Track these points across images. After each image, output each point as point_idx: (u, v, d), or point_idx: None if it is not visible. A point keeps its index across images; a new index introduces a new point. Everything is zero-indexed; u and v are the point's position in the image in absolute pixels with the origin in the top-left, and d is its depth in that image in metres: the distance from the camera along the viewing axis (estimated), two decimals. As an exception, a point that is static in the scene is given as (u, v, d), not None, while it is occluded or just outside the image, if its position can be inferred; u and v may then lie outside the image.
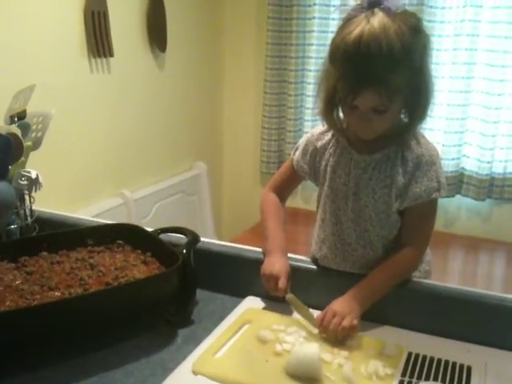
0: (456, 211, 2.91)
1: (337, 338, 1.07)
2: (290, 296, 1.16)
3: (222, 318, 1.19)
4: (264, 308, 1.23)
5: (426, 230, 1.18)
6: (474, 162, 2.78)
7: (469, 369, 1.03)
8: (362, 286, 1.12)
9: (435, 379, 0.99)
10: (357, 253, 1.21)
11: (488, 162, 2.72)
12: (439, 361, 1.05)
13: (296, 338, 1.08)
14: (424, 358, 1.06)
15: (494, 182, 2.76)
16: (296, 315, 1.19)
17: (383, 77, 1.02)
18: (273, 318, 1.18)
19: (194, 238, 1.28)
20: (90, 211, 2.13)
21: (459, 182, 2.83)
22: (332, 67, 1.09)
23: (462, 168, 2.83)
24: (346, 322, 1.06)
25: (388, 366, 1.01)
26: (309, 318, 1.13)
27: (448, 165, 2.77)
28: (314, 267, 1.26)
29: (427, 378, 0.99)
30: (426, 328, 1.14)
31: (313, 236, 1.33)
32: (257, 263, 1.27)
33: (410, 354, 1.07)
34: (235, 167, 3.37)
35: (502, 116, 2.68)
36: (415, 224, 1.17)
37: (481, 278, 2.65)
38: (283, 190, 1.37)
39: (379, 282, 1.13)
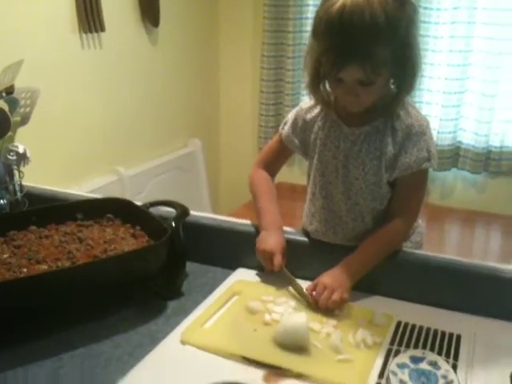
0: (452, 184, 2.90)
1: (327, 310, 1.07)
2: (282, 271, 1.16)
3: (211, 291, 1.18)
4: (254, 280, 1.22)
5: (416, 201, 1.17)
6: (470, 136, 2.76)
7: (458, 338, 1.03)
8: (352, 259, 1.12)
9: (424, 347, 0.99)
10: (347, 226, 1.21)
11: (485, 136, 2.70)
12: (428, 330, 1.05)
13: (285, 308, 1.08)
14: (413, 327, 1.06)
15: (491, 156, 2.74)
16: (285, 285, 1.18)
17: (367, 49, 0.99)
18: (262, 289, 1.17)
19: (183, 211, 1.28)
20: (84, 188, 2.12)
21: (455, 156, 2.82)
22: (315, 40, 1.07)
23: (459, 142, 2.81)
24: (336, 296, 1.06)
25: (376, 335, 1.01)
26: (300, 292, 1.13)
27: (445, 138, 2.76)
28: (306, 239, 1.26)
29: (416, 347, 0.99)
30: (416, 298, 1.14)
31: (304, 210, 1.32)
32: (247, 236, 1.27)
33: (399, 323, 1.07)
34: (232, 144, 3.35)
35: (500, 89, 2.65)
36: (405, 195, 1.16)
37: (476, 251, 2.65)
38: (273, 165, 1.35)
39: (369, 254, 1.13)
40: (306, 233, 1.28)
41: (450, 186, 2.89)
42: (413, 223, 1.19)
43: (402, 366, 0.92)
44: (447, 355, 0.98)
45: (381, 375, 0.92)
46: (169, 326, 1.06)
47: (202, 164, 3.03)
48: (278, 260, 1.15)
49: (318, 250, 1.23)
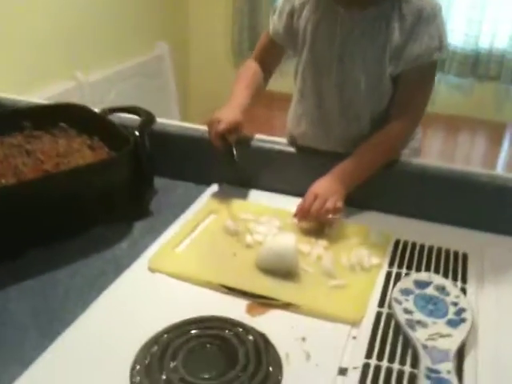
0: (436, 88, 2.73)
1: (318, 223, 0.94)
2: (227, 148, 1.01)
3: (184, 209, 1.04)
4: (232, 196, 1.07)
5: (421, 99, 1.01)
6: (460, 37, 2.58)
7: (465, 257, 0.92)
8: (346, 165, 0.97)
9: (427, 269, 0.87)
10: (340, 127, 1.05)
11: (475, 37, 2.53)
12: (431, 248, 0.93)
13: (268, 228, 0.94)
14: (413, 245, 0.94)
15: (479, 58, 2.58)
16: (269, 202, 1.04)
17: None
18: (242, 206, 1.03)
19: (148, 118, 1.10)
20: (38, 96, 1.90)
21: (442, 58, 2.64)
22: None
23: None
24: (329, 204, 0.92)
25: (374, 256, 0.89)
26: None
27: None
28: (291, 148, 1.10)
29: (419, 268, 0.87)
30: (416, 213, 1.01)
31: (289, 114, 1.15)
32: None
33: (397, 242, 0.94)
34: (203, 47, 3.09)
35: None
36: (410, 92, 1.00)
37: (459, 158, 2.56)
38: (264, 62, 1.15)
39: (365, 161, 0.98)
40: (291, 140, 1.13)
41: (434, 91, 2.73)
42: (416, 126, 1.04)
43: (405, 291, 0.80)
44: (454, 277, 0.86)
45: (381, 303, 0.80)
46: (135, 251, 0.92)
47: (170, 70, 2.79)
48: (220, 127, 0.98)
49: (305, 158, 1.07)
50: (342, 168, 0.97)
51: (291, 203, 1.02)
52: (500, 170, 2.60)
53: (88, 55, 2.33)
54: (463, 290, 0.83)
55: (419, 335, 0.72)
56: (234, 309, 0.79)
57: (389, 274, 0.86)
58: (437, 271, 0.87)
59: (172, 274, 0.85)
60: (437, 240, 0.95)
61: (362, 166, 0.98)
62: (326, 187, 0.94)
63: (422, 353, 0.69)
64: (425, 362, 0.68)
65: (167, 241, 0.92)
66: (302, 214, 0.95)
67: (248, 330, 0.75)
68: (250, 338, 0.74)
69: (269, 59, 1.15)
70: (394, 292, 0.79)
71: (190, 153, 1.15)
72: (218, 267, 0.86)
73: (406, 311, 0.76)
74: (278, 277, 0.83)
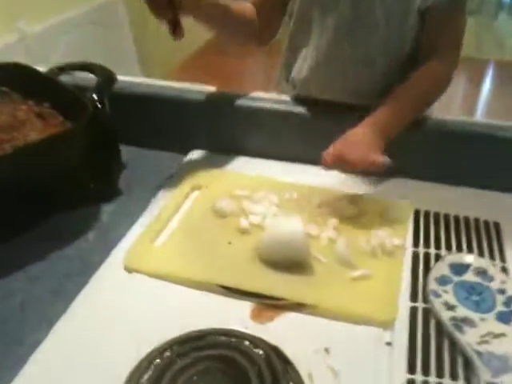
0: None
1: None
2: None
3: (160, 185, 0.87)
4: (217, 166, 0.90)
5: (458, 33, 0.84)
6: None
7: (496, 226, 0.78)
8: (384, 113, 0.79)
9: (458, 246, 0.73)
10: (350, 72, 0.87)
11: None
12: (457, 218, 0.79)
13: (266, 206, 0.78)
14: (437, 216, 0.80)
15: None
16: (262, 172, 0.88)
17: None
18: (231, 179, 0.87)
19: (107, 76, 0.91)
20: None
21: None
22: None
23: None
24: (373, 155, 0.74)
25: (395, 235, 0.74)
26: None
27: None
28: (285, 106, 0.92)
29: (448, 246, 0.73)
30: (435, 176, 0.86)
31: (281, 60, 0.97)
32: (201, 106, 0.94)
33: (417, 213, 0.80)
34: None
35: None
36: (444, 26, 0.82)
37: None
38: (261, 7, 0.90)
39: (406, 108, 0.80)
40: (283, 90, 0.95)
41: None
42: (457, 63, 0.86)
43: (442, 280, 0.66)
44: (491, 255, 0.73)
45: (413, 296, 0.66)
46: (106, 244, 0.75)
47: (125, 16, 2.53)
48: None
49: (305, 115, 0.90)
50: (378, 117, 0.78)
51: (288, 172, 0.86)
52: (480, 112, 2.48)
53: (31, 3, 2.05)
54: (504, 270, 0.70)
55: (469, 338, 0.59)
56: (237, 315, 0.64)
57: (415, 256, 0.72)
58: (469, 248, 0.73)
59: (155, 274, 0.68)
60: (462, 207, 0.81)
61: (402, 113, 0.79)
62: (363, 137, 0.76)
63: (478, 364, 0.56)
64: (483, 375, 0.55)
65: (145, 230, 0.75)
66: (335, 157, 0.73)
67: (257, 343, 0.60)
68: (261, 353, 0.59)
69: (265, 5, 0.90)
70: (430, 282, 0.65)
71: (161, 116, 0.96)
72: (211, 262, 0.70)
73: (448, 306, 0.62)
74: (286, 270, 0.68)
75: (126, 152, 0.92)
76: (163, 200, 0.82)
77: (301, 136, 0.88)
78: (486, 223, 0.78)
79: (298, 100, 0.91)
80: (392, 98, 0.80)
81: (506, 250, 0.74)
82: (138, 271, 0.69)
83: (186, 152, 0.95)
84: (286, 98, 0.93)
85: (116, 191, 0.87)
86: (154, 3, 0.72)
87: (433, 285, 0.65)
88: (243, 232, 0.74)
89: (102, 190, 0.86)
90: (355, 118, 0.79)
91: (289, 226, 0.69)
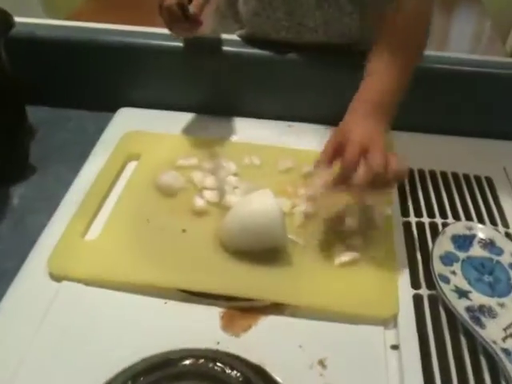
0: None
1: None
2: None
3: (83, 155, 0.69)
4: (155, 127, 0.73)
5: None
6: None
7: (489, 182, 0.68)
8: (375, 82, 0.61)
9: (455, 213, 0.62)
10: (310, 11, 0.71)
11: None
12: (444, 175, 0.68)
13: (223, 178, 0.63)
14: (422, 174, 0.68)
15: None
16: (213, 133, 0.72)
17: None
18: (175, 144, 0.70)
19: (2, 19, 0.70)
20: None
21: None
22: None
23: None
24: (394, 164, 0.52)
25: (381, 201, 0.62)
26: None
27: None
28: (239, 49, 0.75)
29: (442, 213, 0.62)
30: (417, 125, 0.74)
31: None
32: (124, 52, 0.75)
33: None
34: None
35: None
36: None
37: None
38: None
39: (397, 67, 0.63)
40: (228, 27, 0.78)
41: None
42: None
43: (447, 258, 0.55)
44: (491, 219, 0.62)
45: (415, 281, 0.54)
46: (20, 238, 0.59)
47: None
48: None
49: (262, 57, 0.74)
50: (370, 90, 0.60)
51: (244, 130, 0.72)
52: (453, 46, 2.34)
53: None
54: (508, 236, 0.60)
55: (492, 333, 0.48)
56: (204, 327, 0.50)
57: (408, 227, 0.60)
58: (467, 215, 0.62)
59: (92, 280, 0.53)
60: (448, 161, 0.70)
61: (395, 72, 0.61)
62: (363, 131, 0.55)
63: (510, 367, 0.45)
64: (518, 381, 0.45)
65: (71, 220, 0.58)
66: (342, 179, 0.53)
67: (233, 364, 0.47)
68: (239, 376, 0.46)
69: None
70: (435, 263, 0.54)
71: (77, 65, 0.77)
72: (163, 258, 0.55)
73: (460, 293, 0.51)
74: (257, 260, 0.54)
75: (36, 114, 0.74)
76: (90, 176, 0.65)
77: (257, 84, 0.72)
78: (478, 179, 0.68)
79: (250, 40, 0.75)
80: (379, 61, 0.62)
81: (506, 210, 0.64)
82: (68, 279, 0.53)
83: (112, 109, 0.77)
84: (233, 37, 0.76)
85: (26, 167, 0.69)
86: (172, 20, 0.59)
87: (439, 267, 0.53)
88: (199, 214, 0.59)
89: (10, 167, 0.68)
90: (327, 62, 0.65)
91: (259, 204, 0.54)
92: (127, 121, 0.75)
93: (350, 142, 0.53)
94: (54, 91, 0.77)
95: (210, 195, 0.60)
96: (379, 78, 0.60)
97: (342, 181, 0.53)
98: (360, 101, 0.59)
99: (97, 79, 0.78)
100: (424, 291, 0.53)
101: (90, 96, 0.78)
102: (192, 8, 0.58)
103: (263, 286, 0.52)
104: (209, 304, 0.52)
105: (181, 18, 0.58)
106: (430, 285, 0.53)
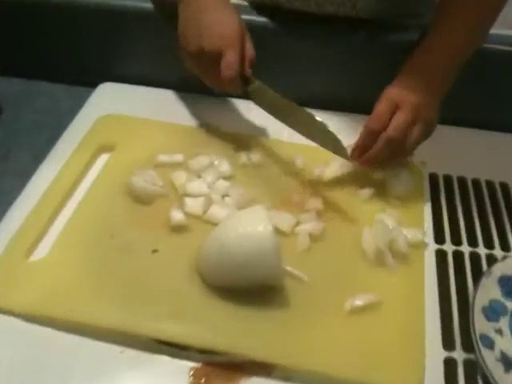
0: None
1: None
2: (255, 86, 0.51)
3: (51, 142, 0.57)
4: (138, 110, 0.61)
5: None
6: None
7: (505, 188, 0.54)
8: (428, 48, 0.50)
9: (502, 237, 0.49)
10: None
11: None
12: (492, 188, 0.54)
13: (211, 180, 0.51)
14: (463, 184, 0.54)
15: None
16: (207, 118, 0.60)
17: None
18: (159, 132, 0.57)
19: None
20: None
21: None
22: None
23: None
24: (415, 135, 0.48)
25: (409, 223, 0.49)
26: (316, 127, 0.49)
27: None
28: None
29: (488, 240, 0.49)
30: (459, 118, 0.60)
31: None
32: (107, 14, 0.62)
33: (433, 180, 0.55)
34: None
35: None
36: None
37: None
38: None
39: (461, 35, 0.50)
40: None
41: None
42: None
43: (492, 311, 0.42)
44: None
45: (448, 341, 0.42)
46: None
47: None
48: (233, 57, 0.47)
49: (272, 30, 0.60)
50: (424, 57, 0.50)
51: (248, 115, 0.59)
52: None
53: None
54: None
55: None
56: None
57: (442, 258, 0.47)
58: (502, 237, 0.49)
59: (31, 315, 0.41)
60: (499, 167, 0.56)
61: (460, 39, 0.50)
62: (411, 109, 0.48)
63: None
64: None
65: (15, 235, 0.46)
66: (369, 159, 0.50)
67: None
68: None
69: None
70: (476, 319, 0.41)
71: (51, 30, 0.65)
72: (124, 291, 0.43)
73: (508, 363, 0.39)
74: (244, 300, 0.42)
75: (3, 88, 0.62)
76: (50, 173, 0.53)
77: (264, 59, 0.58)
78: (504, 187, 0.54)
79: (259, 7, 0.61)
80: (441, 25, 0.50)
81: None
82: (3, 311, 0.42)
83: (92, 84, 0.64)
84: (240, 1, 0.62)
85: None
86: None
87: (480, 321, 0.40)
88: (176, 230, 0.47)
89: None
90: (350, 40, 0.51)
91: (248, 227, 0.42)
92: (107, 99, 0.62)
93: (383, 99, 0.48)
94: (24, 60, 0.65)
95: (191, 205, 0.48)
96: (441, 39, 0.50)
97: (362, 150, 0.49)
98: (414, 65, 0.50)
99: (74, 47, 0.65)
100: (459, 354, 0.41)
101: (67, 67, 0.66)
102: (250, 71, 0.49)
103: (248, 338, 0.40)
104: (176, 356, 0.40)
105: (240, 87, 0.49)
106: (468, 346, 0.41)
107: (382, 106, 0.48)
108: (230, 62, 0.46)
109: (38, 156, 0.56)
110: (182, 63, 0.51)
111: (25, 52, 0.65)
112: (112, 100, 0.62)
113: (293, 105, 0.49)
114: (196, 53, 0.48)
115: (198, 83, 0.52)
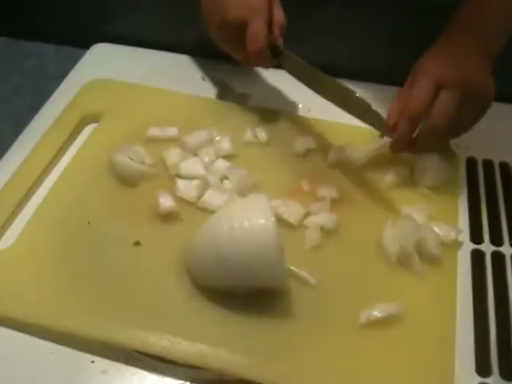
0: None
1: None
2: (282, 56, 0.45)
3: (33, 108, 0.50)
4: (130, 74, 0.53)
5: None
6: None
7: None
8: (480, 8, 0.43)
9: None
10: None
11: None
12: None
13: (209, 160, 0.44)
14: (506, 174, 0.46)
15: None
16: (210, 83, 0.52)
17: None
18: (153, 101, 0.50)
19: None
20: None
21: None
22: None
23: None
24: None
25: (441, 219, 0.41)
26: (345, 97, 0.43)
27: None
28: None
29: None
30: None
31: None
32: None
33: (471, 163, 0.47)
34: None
35: None
36: None
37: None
38: None
39: None
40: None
41: None
42: None
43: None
44: None
45: (483, 364, 0.34)
46: None
47: None
48: (257, 28, 0.42)
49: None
50: (478, 15, 0.43)
51: (256, 84, 0.51)
52: None
53: None
54: None
55: None
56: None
57: (479, 260, 0.40)
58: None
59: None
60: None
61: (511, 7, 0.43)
62: (464, 75, 0.41)
63: None
64: None
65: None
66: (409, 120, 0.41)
67: None
68: None
69: None
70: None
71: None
72: (97, 291, 0.36)
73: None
74: (241, 306, 0.35)
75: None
76: (30, 144, 0.46)
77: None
78: None
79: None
80: None
81: None
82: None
83: (85, 45, 0.57)
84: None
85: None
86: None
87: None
88: (164, 218, 0.40)
89: None
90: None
91: (246, 221, 0.35)
92: (99, 62, 0.55)
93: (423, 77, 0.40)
94: (11, 17, 0.58)
95: (183, 189, 0.41)
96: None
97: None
98: (458, 28, 0.44)
99: (66, 3, 0.57)
100: (495, 381, 0.33)
101: (57, 25, 0.58)
102: (281, 41, 0.44)
103: (242, 353, 0.33)
104: (158, 371, 0.34)
105: (269, 60, 0.45)
106: (508, 372, 0.33)
107: (422, 87, 0.40)
108: (255, 32, 0.42)
109: (19, 125, 0.50)
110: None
111: (11, 8, 0.58)
112: (105, 62, 0.55)
113: (334, 79, 0.43)
114: (220, 25, 0.44)
115: (213, 48, 0.45)
